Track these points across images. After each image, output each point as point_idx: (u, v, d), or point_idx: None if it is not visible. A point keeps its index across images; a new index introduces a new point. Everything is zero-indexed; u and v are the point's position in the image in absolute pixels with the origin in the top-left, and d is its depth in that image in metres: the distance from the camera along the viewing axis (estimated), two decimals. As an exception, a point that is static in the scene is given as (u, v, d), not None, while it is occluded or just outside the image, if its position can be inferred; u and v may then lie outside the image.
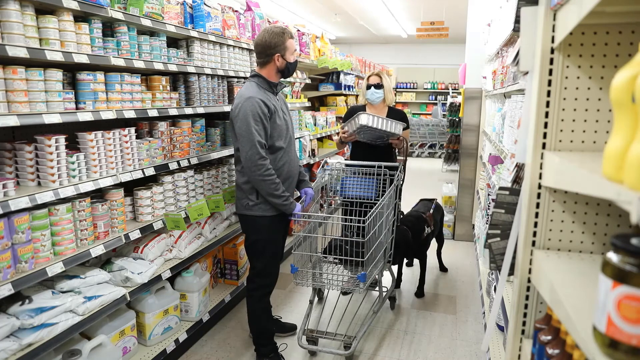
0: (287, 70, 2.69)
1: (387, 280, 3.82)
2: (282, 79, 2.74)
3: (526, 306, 1.35)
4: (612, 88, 0.77)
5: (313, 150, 5.19)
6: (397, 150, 3.58)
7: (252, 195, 2.59)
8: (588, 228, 1.28)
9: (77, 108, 2.19)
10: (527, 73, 1.47)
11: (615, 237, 0.75)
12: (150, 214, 2.67)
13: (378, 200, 2.97)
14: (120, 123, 2.66)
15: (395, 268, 3.89)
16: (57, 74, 2.03)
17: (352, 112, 3.60)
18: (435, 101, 14.82)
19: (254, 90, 2.54)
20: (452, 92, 12.64)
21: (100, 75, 2.27)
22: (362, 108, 3.60)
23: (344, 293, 3.47)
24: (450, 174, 9.35)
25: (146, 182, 2.78)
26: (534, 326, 1.27)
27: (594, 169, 0.89)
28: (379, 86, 3.46)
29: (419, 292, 3.77)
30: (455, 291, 3.91)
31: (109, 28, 2.39)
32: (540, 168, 1.28)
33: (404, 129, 3.46)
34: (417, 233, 3.57)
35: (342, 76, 6.59)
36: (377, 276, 3.19)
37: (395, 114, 3.55)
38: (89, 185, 2.17)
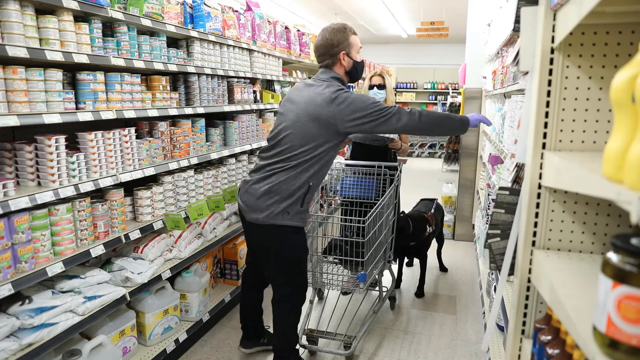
0: (356, 70, 2.48)
1: (387, 280, 3.82)
2: (350, 84, 2.53)
3: (526, 306, 1.35)
4: (612, 88, 0.77)
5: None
6: (394, 150, 3.58)
7: (297, 203, 2.32)
8: (588, 228, 1.28)
9: (77, 108, 2.19)
10: (527, 73, 1.47)
11: (615, 237, 0.75)
12: (150, 214, 2.67)
13: (378, 200, 2.97)
14: (120, 123, 2.66)
15: (395, 268, 3.89)
16: (57, 74, 2.03)
17: None
18: (435, 101, 14.81)
19: (349, 91, 2.35)
20: (452, 92, 12.64)
21: (100, 75, 2.27)
22: None
23: (344, 293, 3.48)
24: (450, 174, 9.34)
25: (146, 182, 2.78)
26: (534, 326, 1.27)
27: (594, 169, 0.89)
28: (381, 87, 3.46)
29: (419, 292, 3.77)
30: (455, 291, 3.91)
31: (109, 28, 2.39)
32: (540, 168, 1.28)
33: None
34: (418, 232, 3.57)
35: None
36: (377, 276, 3.19)
37: None
38: (89, 185, 2.17)
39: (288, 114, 2.39)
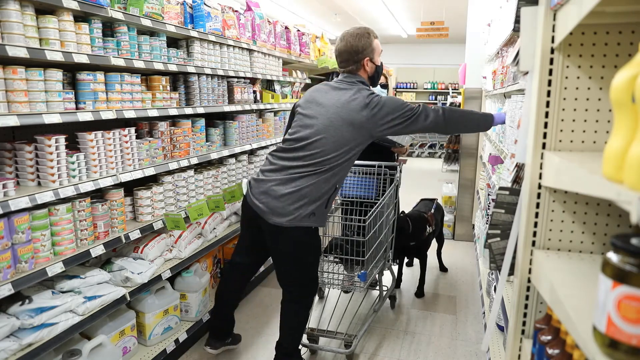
0: (377, 74, 2.51)
1: (387, 279, 3.82)
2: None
3: (526, 306, 1.35)
4: (612, 88, 0.77)
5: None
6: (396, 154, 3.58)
7: (323, 205, 2.33)
8: (588, 228, 1.28)
9: (77, 108, 2.19)
10: (527, 73, 1.47)
11: (615, 237, 0.75)
12: (150, 214, 2.67)
13: (378, 200, 2.97)
14: (120, 123, 2.66)
15: (395, 268, 3.89)
16: (57, 74, 2.03)
17: None
18: (435, 101, 14.82)
19: (379, 94, 2.37)
20: (452, 92, 12.65)
21: (100, 75, 2.27)
22: None
23: (345, 291, 3.48)
24: (450, 174, 9.34)
25: (146, 182, 2.78)
26: (534, 326, 1.27)
27: (594, 169, 0.89)
28: (384, 86, 3.45)
29: (419, 292, 3.77)
30: (455, 291, 3.91)
31: (109, 28, 2.39)
32: (540, 168, 1.28)
33: None
34: (418, 232, 3.57)
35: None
36: (377, 275, 3.19)
37: None
38: (89, 185, 2.17)
39: (318, 117, 2.35)
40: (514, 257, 1.44)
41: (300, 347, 2.74)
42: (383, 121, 2.30)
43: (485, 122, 2.48)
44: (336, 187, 2.37)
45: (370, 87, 2.51)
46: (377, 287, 3.47)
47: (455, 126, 2.45)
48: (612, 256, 0.74)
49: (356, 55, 2.41)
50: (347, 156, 2.34)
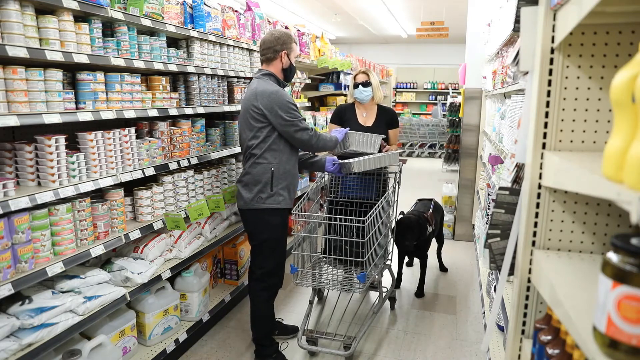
0: (290, 71, 2.74)
1: (387, 280, 3.82)
2: (285, 82, 2.76)
3: (526, 306, 1.35)
4: (612, 88, 0.77)
5: (313, 150, 5.18)
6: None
7: (267, 187, 2.58)
8: (588, 228, 1.28)
9: (77, 108, 2.19)
10: (527, 73, 1.47)
11: (615, 237, 0.75)
12: (150, 214, 2.67)
13: (378, 201, 2.97)
14: (120, 123, 2.66)
15: (395, 268, 3.90)
16: (57, 74, 2.03)
17: (340, 112, 3.46)
18: (435, 101, 14.83)
19: (277, 86, 2.59)
20: (452, 92, 12.65)
21: (100, 75, 2.27)
22: (351, 107, 3.46)
23: (347, 290, 3.48)
24: (450, 174, 9.34)
25: (146, 182, 2.78)
26: (534, 326, 1.27)
27: (594, 169, 0.89)
28: (366, 84, 3.36)
29: (419, 292, 3.77)
30: (455, 291, 3.91)
31: (109, 28, 2.39)
32: (540, 168, 1.28)
33: (393, 128, 3.43)
34: (418, 231, 3.57)
35: (342, 76, 6.59)
36: (377, 276, 3.19)
37: (384, 113, 3.45)
38: (89, 185, 2.17)
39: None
40: (514, 257, 1.44)
41: (299, 344, 2.75)
42: (264, 105, 2.50)
43: (335, 144, 2.87)
44: (272, 170, 2.57)
45: (285, 81, 2.75)
46: (377, 288, 3.46)
47: (320, 148, 2.74)
48: (612, 256, 0.74)
49: (277, 45, 2.66)
50: (257, 140, 2.57)
